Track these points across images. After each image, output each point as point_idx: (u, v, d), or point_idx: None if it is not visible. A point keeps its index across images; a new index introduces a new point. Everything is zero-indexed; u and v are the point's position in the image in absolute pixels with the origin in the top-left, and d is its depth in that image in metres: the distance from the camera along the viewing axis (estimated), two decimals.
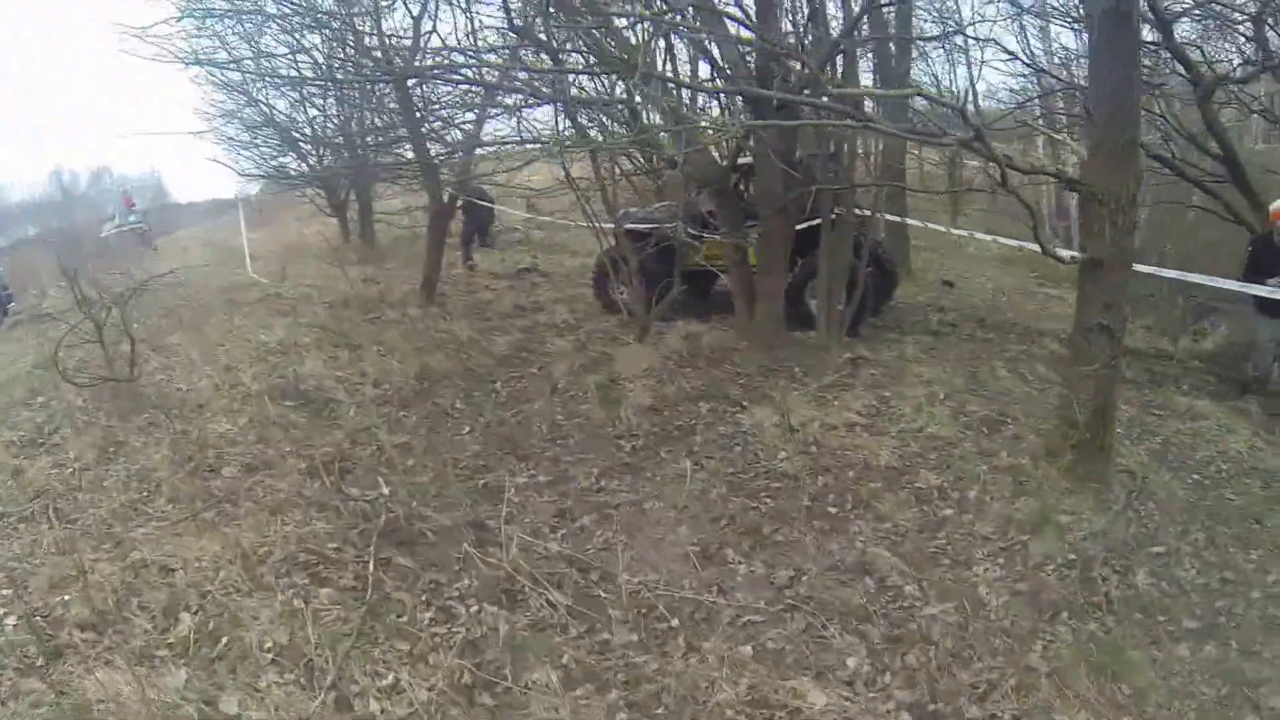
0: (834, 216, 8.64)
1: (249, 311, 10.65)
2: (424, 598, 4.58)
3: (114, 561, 4.90)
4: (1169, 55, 8.68)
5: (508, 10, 7.27)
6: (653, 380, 8.04)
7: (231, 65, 10.63)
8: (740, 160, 8.88)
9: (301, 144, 14.82)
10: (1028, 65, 10.64)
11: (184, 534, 5.19)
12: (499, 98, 9.01)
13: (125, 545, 5.09)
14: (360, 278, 12.45)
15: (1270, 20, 8.85)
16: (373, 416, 7.29)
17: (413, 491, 5.91)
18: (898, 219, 11.95)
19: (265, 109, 13.84)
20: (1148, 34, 8.98)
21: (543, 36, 7.31)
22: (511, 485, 6.23)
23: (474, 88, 10.24)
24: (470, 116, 10.65)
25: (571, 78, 8.49)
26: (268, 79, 11.56)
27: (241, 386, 7.91)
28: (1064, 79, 10.96)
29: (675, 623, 4.62)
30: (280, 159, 15.62)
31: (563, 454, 6.83)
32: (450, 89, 10.34)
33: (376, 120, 12.39)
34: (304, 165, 15.45)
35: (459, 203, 12.82)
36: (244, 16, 9.73)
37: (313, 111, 14.30)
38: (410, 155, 11.71)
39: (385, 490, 5.66)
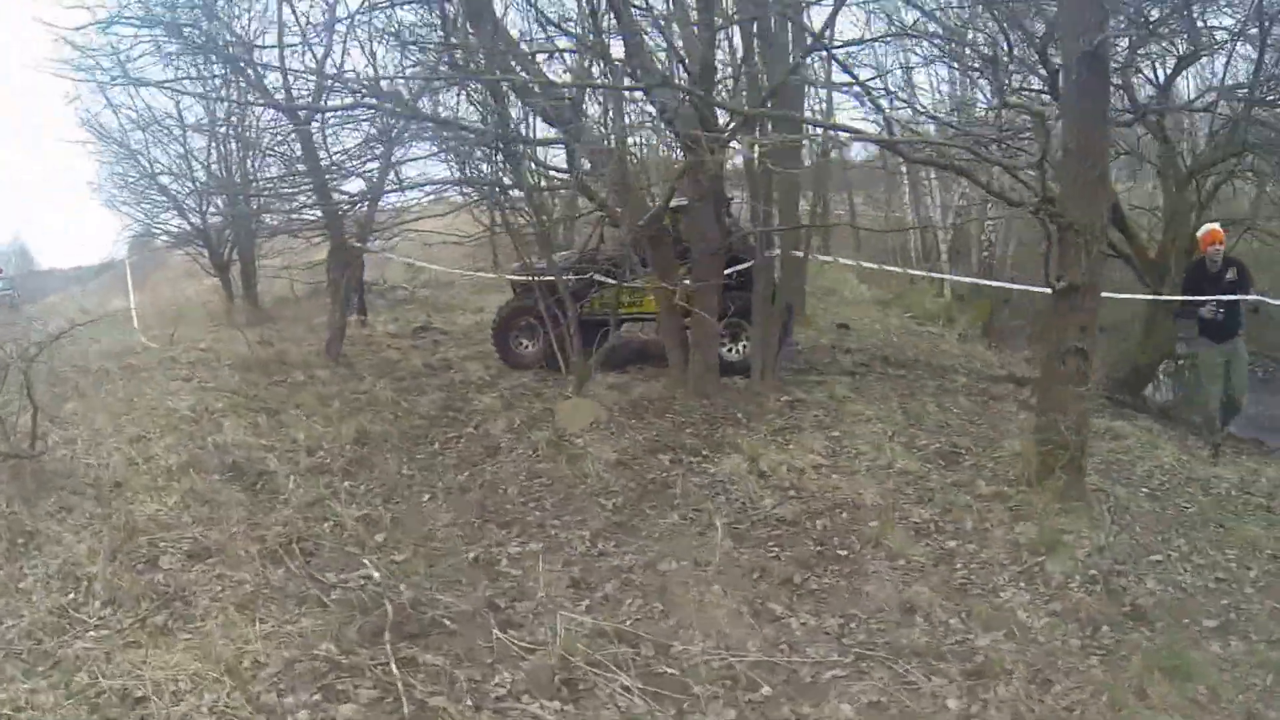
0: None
1: (146, 377, 9.26)
2: (469, 701, 3.62)
3: (56, 689, 3.71)
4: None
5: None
6: (601, 434, 7.38)
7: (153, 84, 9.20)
8: (673, 203, 8.37)
9: (184, 199, 13.31)
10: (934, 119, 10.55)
11: (137, 645, 4.06)
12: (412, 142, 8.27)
13: (65, 665, 3.92)
14: (255, 339, 11.13)
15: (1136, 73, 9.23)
16: (319, 488, 6.25)
17: (399, 573, 4.97)
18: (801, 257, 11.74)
19: (146, 164, 12.36)
20: (1038, 83, 9.21)
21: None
22: (504, 556, 5.38)
23: (376, 137, 9.50)
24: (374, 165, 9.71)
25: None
26: (155, 127, 10.16)
27: (158, 459, 6.67)
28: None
29: (768, 690, 3.91)
30: (161, 215, 14.07)
31: (545, 518, 5.99)
32: (356, 135, 9.46)
33: (270, 169, 11.18)
34: (186, 222, 13.93)
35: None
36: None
37: (195, 165, 12.88)
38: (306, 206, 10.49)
39: (375, 574, 4.70)
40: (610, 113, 7.90)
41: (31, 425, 6.52)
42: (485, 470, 6.82)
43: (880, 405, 8.19)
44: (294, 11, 9.29)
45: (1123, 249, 9.70)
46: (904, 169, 12.82)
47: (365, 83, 7.94)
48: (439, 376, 9.58)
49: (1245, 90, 9.04)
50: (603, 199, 8.01)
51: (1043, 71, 8.44)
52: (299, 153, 9.87)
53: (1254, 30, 8.38)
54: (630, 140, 7.98)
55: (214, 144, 12.69)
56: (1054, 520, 5.55)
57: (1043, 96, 9.06)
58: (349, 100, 8.81)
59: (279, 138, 10.17)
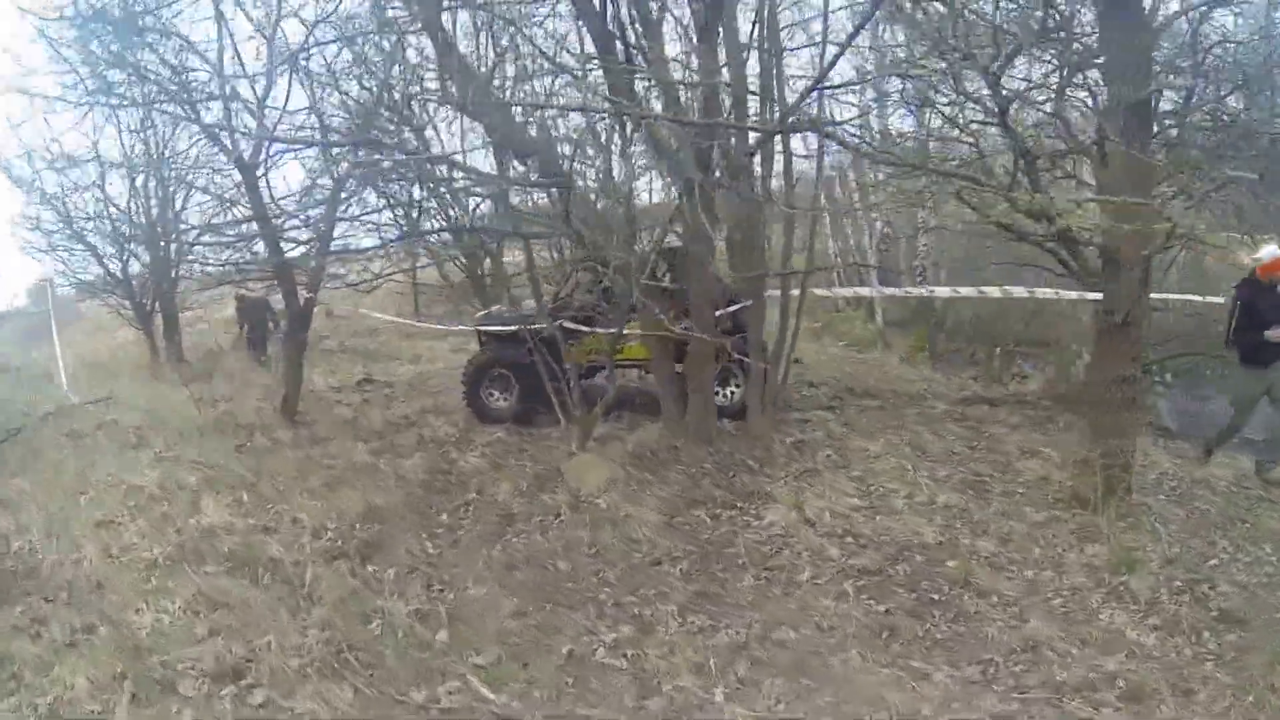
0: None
1: (91, 444, 7.74)
2: None
3: None
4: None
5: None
6: (621, 492, 6.51)
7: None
8: (665, 245, 7.64)
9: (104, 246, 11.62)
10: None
11: None
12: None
13: None
14: (194, 396, 9.66)
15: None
16: (343, 578, 5.19)
17: (493, 681, 4.04)
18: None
19: (60, 208, 10.65)
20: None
21: None
22: (599, 646, 4.50)
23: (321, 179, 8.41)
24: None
25: None
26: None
27: (138, 550, 5.47)
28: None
29: None
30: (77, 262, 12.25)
31: (616, 594, 5.12)
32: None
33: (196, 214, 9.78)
34: (105, 270, 12.16)
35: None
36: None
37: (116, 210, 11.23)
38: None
39: (485, 692, 3.76)
40: (601, 152, 7.09)
41: None
42: (514, 543, 5.87)
43: (880, 439, 7.62)
44: (233, 43, 8.01)
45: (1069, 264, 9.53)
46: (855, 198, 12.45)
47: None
48: (406, 434, 8.35)
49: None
50: (592, 243, 7.18)
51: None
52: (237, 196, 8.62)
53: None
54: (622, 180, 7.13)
55: (134, 186, 11.07)
56: (1119, 538, 5.36)
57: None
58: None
59: (215, 179, 8.80)
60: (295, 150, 8.42)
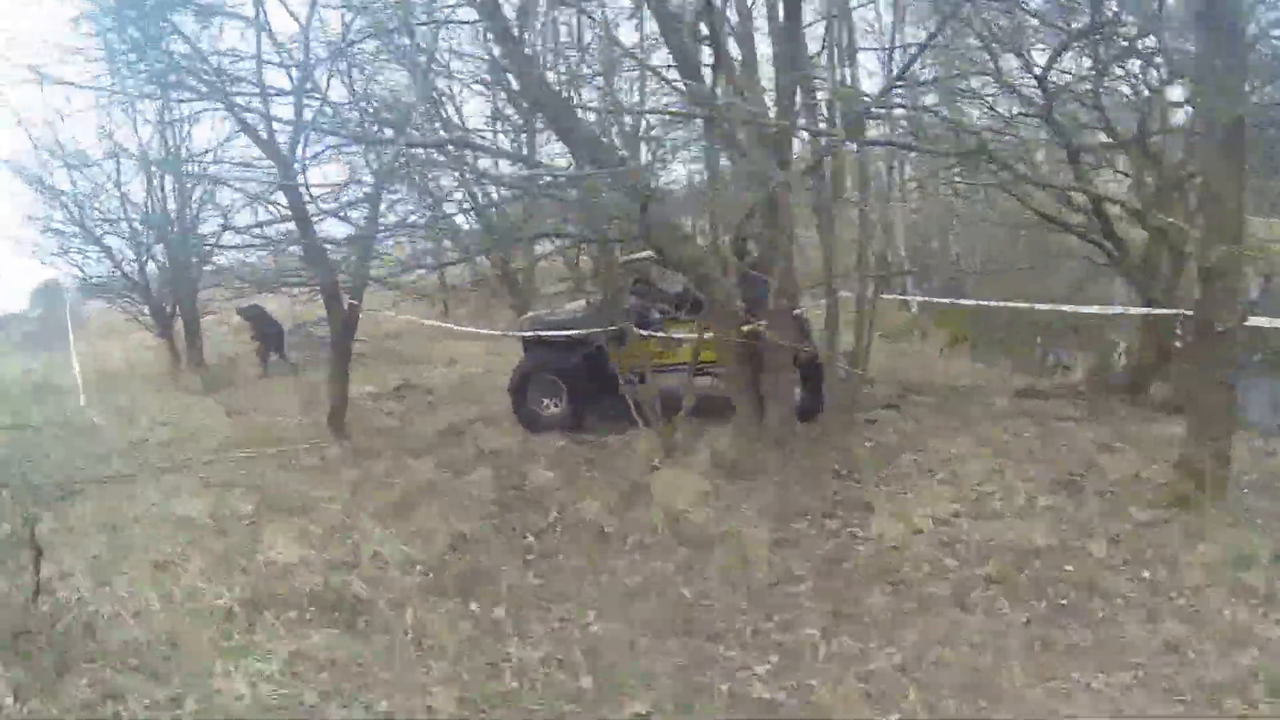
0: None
1: (122, 467, 7.02)
2: None
3: None
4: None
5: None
6: (713, 506, 6.03)
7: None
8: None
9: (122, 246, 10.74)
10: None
11: None
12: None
13: None
14: (222, 409, 8.96)
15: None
16: (449, 618, 4.62)
17: None
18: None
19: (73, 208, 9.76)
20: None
21: None
22: (754, 681, 3.99)
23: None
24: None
25: None
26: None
27: (204, 594, 4.82)
28: None
29: None
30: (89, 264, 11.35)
31: (753, 620, 4.58)
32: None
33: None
34: (120, 272, 11.27)
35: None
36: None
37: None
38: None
39: None
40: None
41: (34, 574, 4.55)
42: (620, 567, 5.32)
43: (955, 439, 7.16)
44: (272, 38, 7.29)
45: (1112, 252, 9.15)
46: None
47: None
48: (460, 446, 7.75)
49: None
50: (664, 245, 6.61)
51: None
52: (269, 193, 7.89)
53: None
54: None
55: (152, 184, 10.19)
56: (1227, 534, 5.03)
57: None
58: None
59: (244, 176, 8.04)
60: (335, 143, 7.69)
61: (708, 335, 7.31)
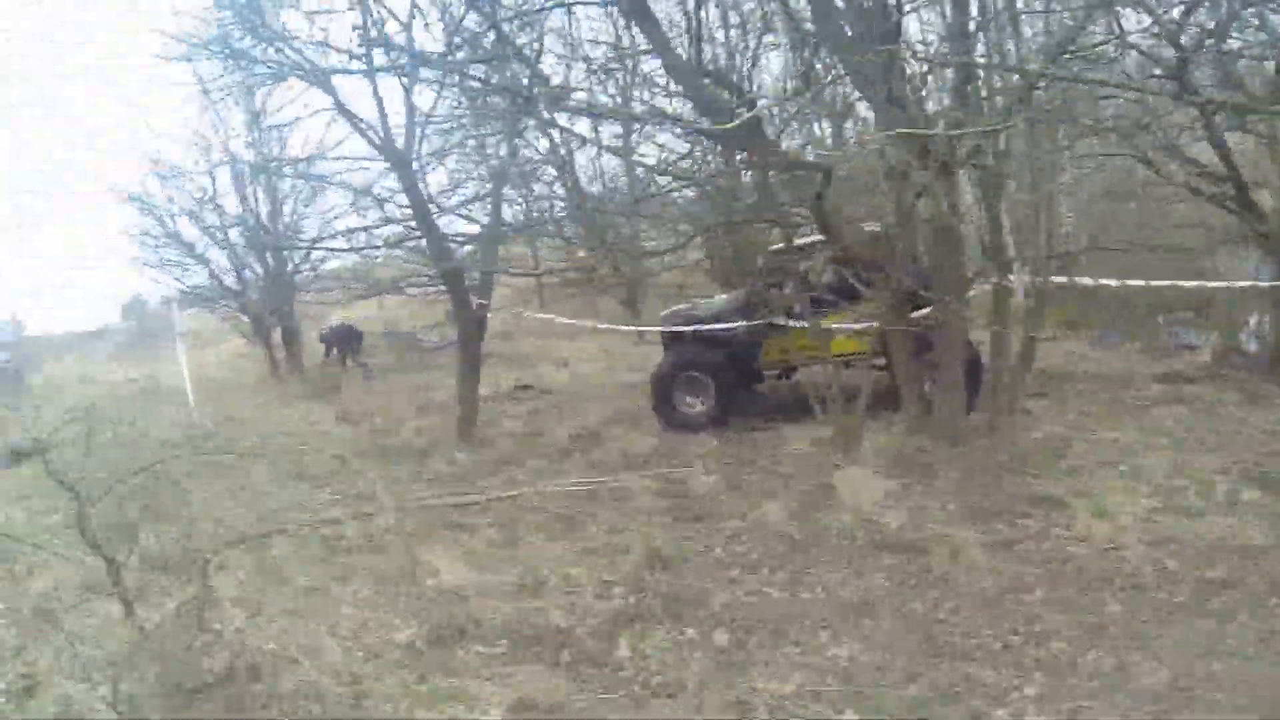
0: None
1: (244, 478, 6.35)
2: None
3: None
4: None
5: None
6: (904, 508, 5.24)
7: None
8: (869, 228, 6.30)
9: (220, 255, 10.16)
10: None
11: None
12: None
13: None
14: (333, 416, 8.28)
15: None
16: (677, 654, 3.84)
17: None
18: None
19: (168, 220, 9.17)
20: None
21: None
22: (1028, 705, 3.26)
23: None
24: None
25: None
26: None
27: (375, 629, 4.12)
28: None
29: None
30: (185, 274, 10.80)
31: (998, 636, 3.80)
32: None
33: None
34: (220, 280, 10.70)
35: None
36: None
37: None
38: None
39: None
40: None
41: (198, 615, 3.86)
42: (830, 579, 4.50)
43: (1119, 427, 6.44)
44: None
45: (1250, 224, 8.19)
46: None
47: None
48: (601, 449, 6.98)
49: None
50: (837, 227, 5.82)
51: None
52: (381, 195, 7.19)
53: None
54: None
55: (247, 191, 9.57)
56: None
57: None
58: None
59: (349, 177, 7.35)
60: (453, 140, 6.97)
61: (860, 326, 6.55)
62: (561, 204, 7.70)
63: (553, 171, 7.40)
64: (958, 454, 5.96)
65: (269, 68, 6.31)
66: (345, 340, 11.16)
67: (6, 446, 8.80)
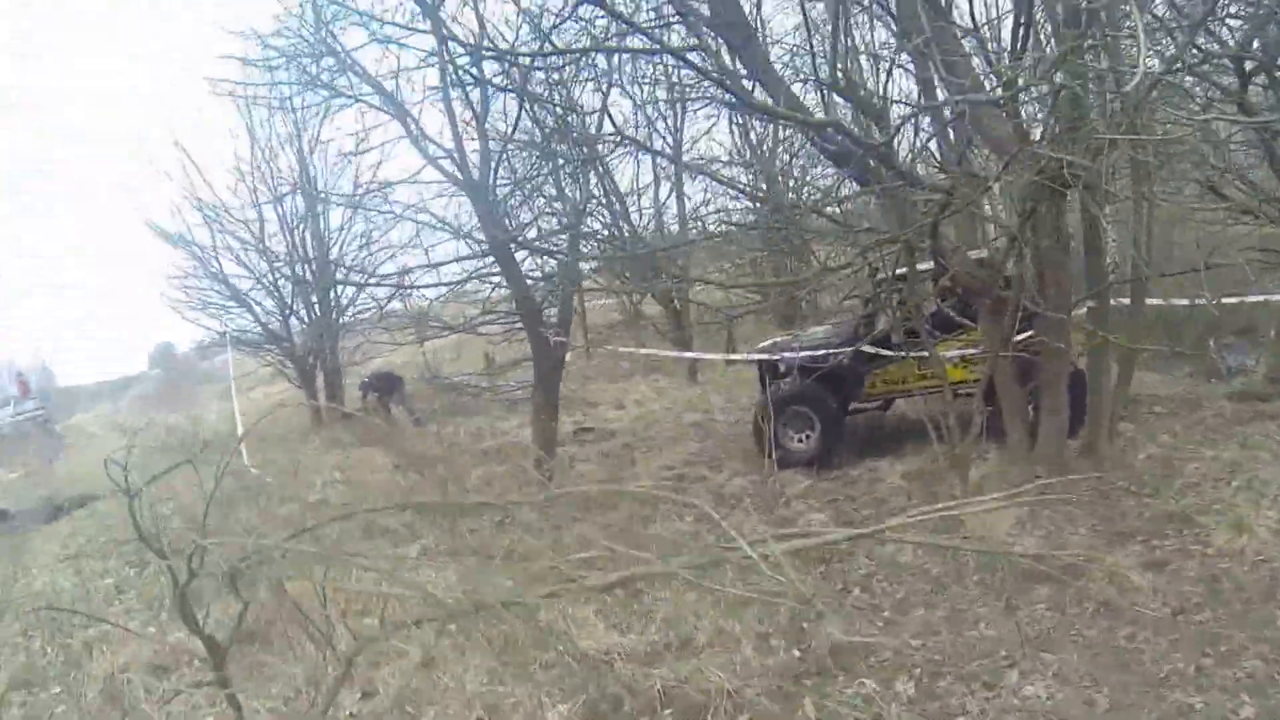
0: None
1: (315, 531, 5.83)
2: None
3: None
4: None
5: None
6: (1038, 537, 5.00)
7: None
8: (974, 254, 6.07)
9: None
10: None
11: None
12: None
13: None
14: (390, 464, 7.84)
15: None
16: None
17: None
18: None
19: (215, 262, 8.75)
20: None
21: None
22: None
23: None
24: None
25: None
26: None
27: (517, 705, 3.74)
28: None
29: None
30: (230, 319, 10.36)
31: (1192, 660, 3.52)
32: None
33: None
34: (264, 325, 10.26)
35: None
36: None
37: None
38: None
39: None
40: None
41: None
42: (988, 614, 4.18)
43: (1218, 446, 6.16)
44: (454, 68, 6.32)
45: None
46: None
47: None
48: (693, 492, 6.56)
49: None
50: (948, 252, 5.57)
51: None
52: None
53: None
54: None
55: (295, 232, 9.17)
56: None
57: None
58: None
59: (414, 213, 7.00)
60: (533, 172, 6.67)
61: (972, 352, 6.29)
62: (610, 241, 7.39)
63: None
64: (1069, 478, 5.66)
65: (342, 93, 5.96)
66: (388, 386, 10.70)
67: (43, 500, 8.27)
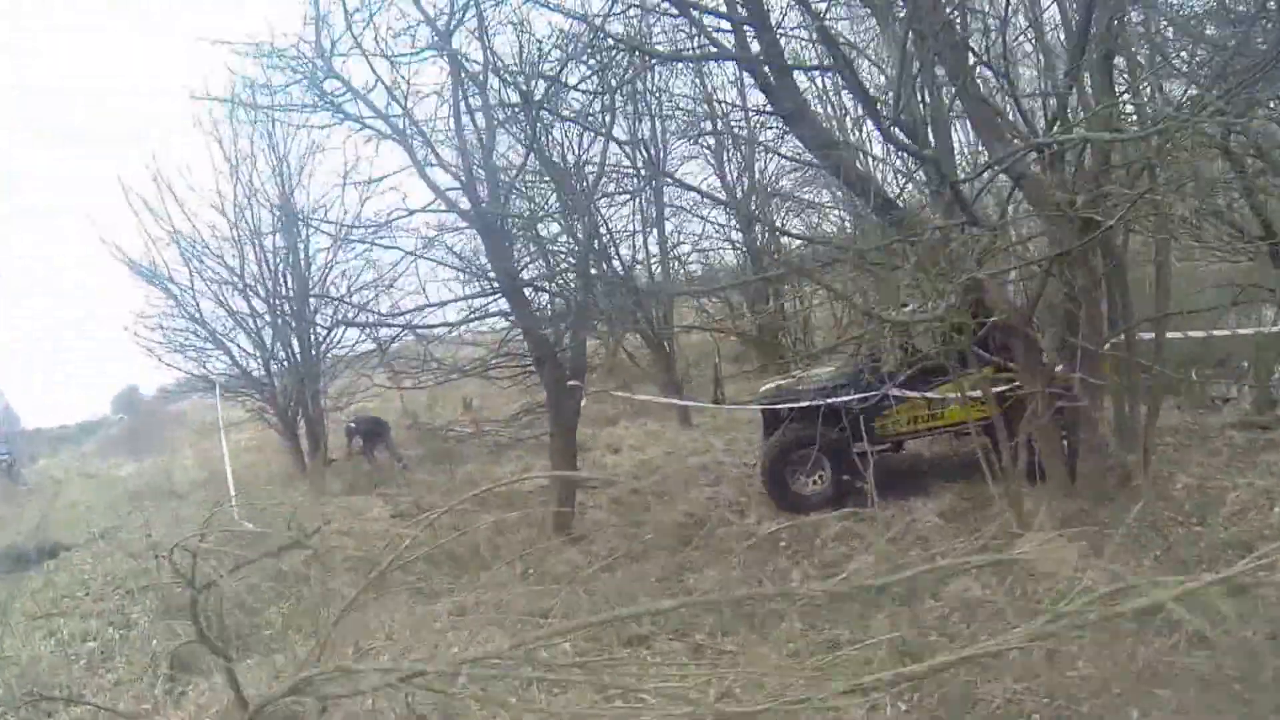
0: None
1: (324, 585, 5.32)
2: None
3: None
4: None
5: None
6: (1101, 574, 4.66)
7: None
8: None
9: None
10: None
11: None
12: None
13: None
14: (389, 514, 7.33)
15: None
16: None
17: None
18: None
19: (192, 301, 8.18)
20: None
21: None
22: None
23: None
24: None
25: None
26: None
27: None
28: None
29: None
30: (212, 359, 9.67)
31: None
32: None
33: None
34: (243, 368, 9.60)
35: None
36: None
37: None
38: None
39: None
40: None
41: None
42: (1082, 652, 3.89)
43: (1243, 472, 6.14)
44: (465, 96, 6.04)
45: None
46: None
47: None
48: (718, 539, 6.25)
49: None
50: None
51: None
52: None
53: None
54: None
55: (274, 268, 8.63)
56: None
57: None
58: None
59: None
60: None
61: (975, 394, 6.17)
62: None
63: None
64: (1115, 511, 5.53)
65: (349, 115, 5.61)
66: (374, 431, 10.12)
67: (7, 550, 7.42)
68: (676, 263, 11.49)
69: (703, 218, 11.43)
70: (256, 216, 9.32)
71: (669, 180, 5.73)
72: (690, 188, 5.99)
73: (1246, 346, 8.89)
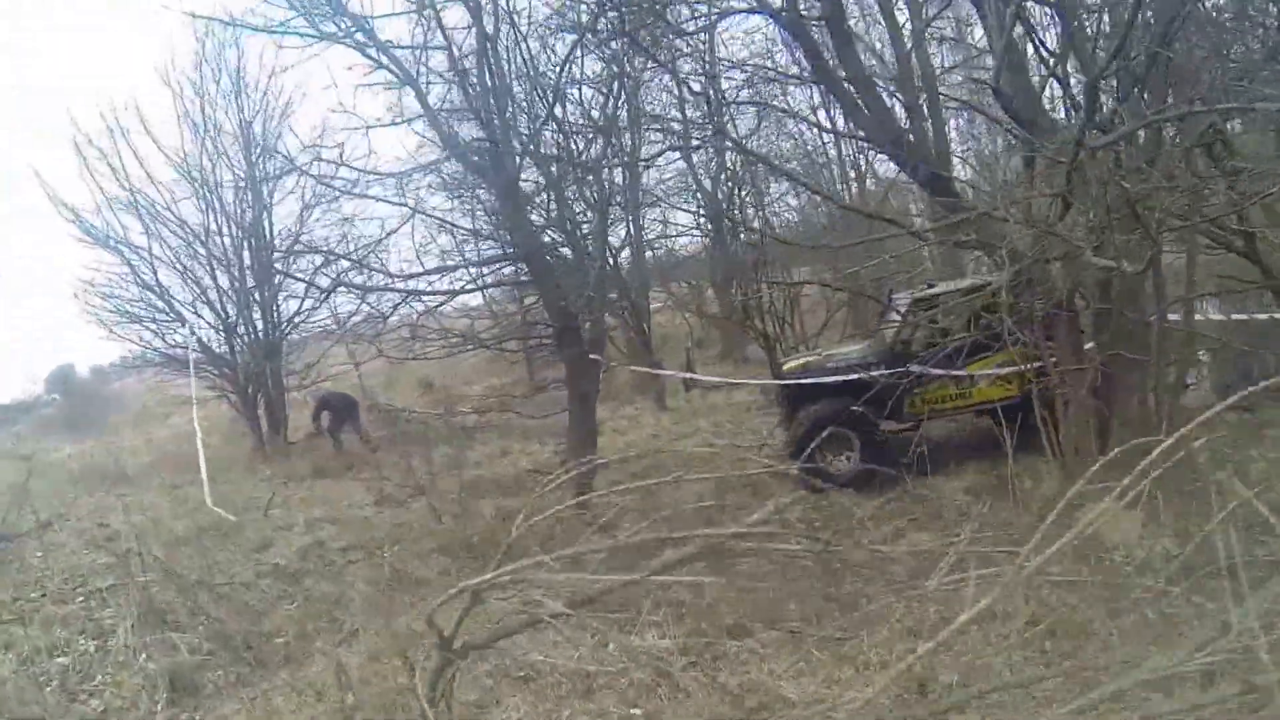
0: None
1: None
2: None
3: None
4: None
5: None
6: (1169, 538, 4.49)
7: None
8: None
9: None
10: None
11: None
12: None
13: None
14: (371, 500, 6.61)
15: None
16: None
17: None
18: None
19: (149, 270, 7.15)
20: None
21: None
22: None
23: None
24: None
25: None
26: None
27: None
28: None
29: None
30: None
31: None
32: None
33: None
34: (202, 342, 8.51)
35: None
36: None
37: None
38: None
39: None
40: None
41: None
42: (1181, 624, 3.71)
43: (1252, 445, 5.88)
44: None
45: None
46: None
47: None
48: (748, 518, 5.84)
49: None
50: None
51: None
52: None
53: None
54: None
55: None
56: None
57: None
58: None
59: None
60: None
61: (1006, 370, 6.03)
62: None
63: None
64: (1157, 481, 5.38)
65: (362, 49, 4.90)
66: (342, 409, 9.22)
67: None
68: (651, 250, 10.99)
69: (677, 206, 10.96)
70: (220, 167, 8.26)
71: (728, 145, 5.21)
72: (757, 156, 5.44)
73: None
